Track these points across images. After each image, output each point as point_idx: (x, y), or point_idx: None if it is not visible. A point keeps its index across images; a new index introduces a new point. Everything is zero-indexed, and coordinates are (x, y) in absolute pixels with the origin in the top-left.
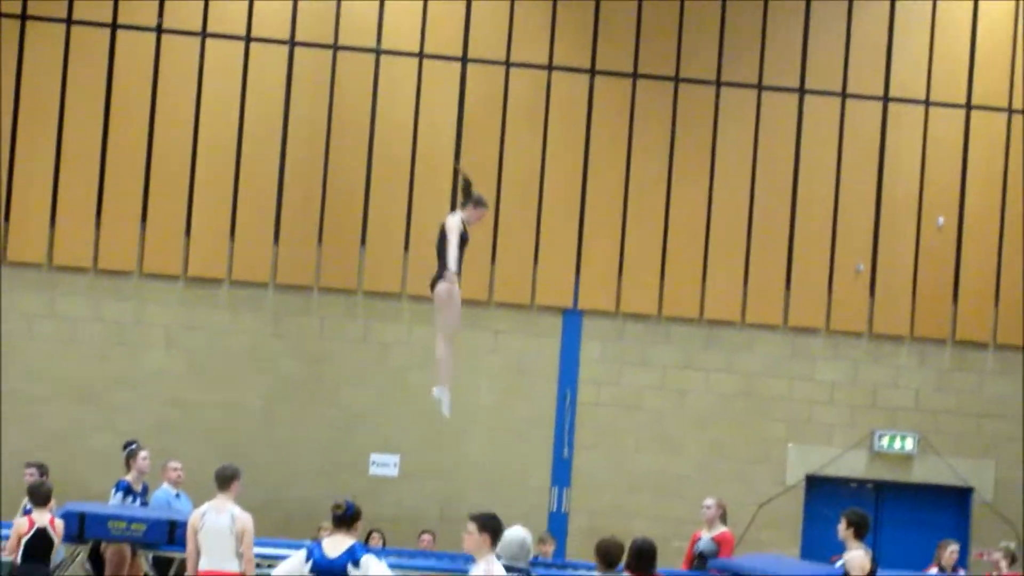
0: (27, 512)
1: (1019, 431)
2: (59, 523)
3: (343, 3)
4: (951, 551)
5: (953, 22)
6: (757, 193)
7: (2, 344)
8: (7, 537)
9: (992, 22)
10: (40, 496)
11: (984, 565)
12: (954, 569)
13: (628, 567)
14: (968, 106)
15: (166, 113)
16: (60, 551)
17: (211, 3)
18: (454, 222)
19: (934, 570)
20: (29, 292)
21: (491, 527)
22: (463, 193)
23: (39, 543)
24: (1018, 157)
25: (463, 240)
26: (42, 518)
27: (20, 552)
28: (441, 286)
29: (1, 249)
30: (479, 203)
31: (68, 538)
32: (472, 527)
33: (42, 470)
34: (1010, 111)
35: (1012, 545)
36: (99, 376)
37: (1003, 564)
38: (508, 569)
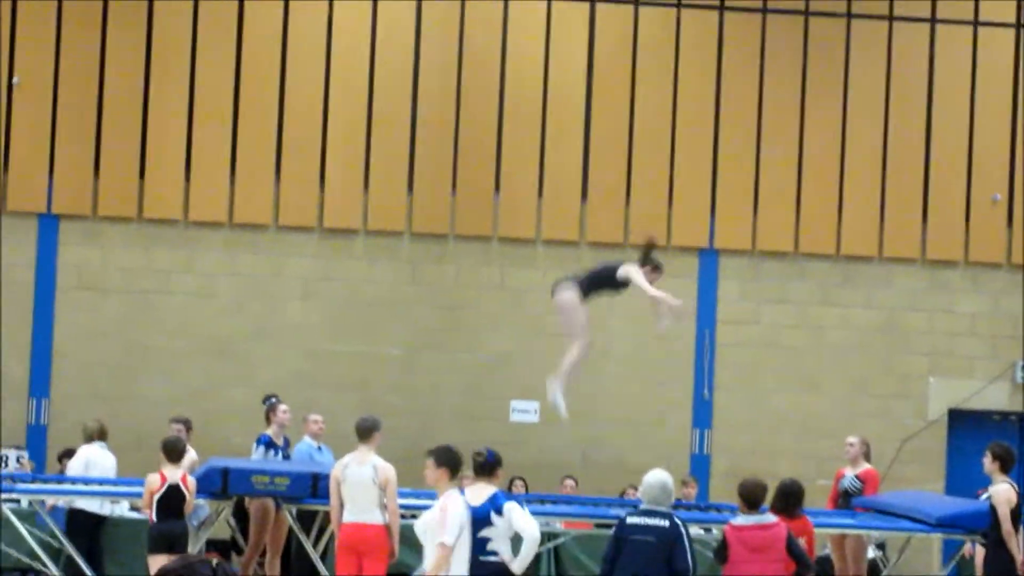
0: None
1: None
2: (191, 480)
3: None
4: None
5: None
6: (891, 126)
7: (141, 300)
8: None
9: None
10: (174, 453)
11: None
12: None
13: (774, 508)
14: None
15: (297, 67)
16: (204, 507)
17: None
18: (634, 269)
19: None
20: (166, 248)
21: (446, 460)
22: (645, 255)
23: (172, 499)
24: None
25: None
26: (174, 474)
27: (154, 509)
28: (564, 296)
29: (138, 206)
30: (657, 268)
31: (211, 494)
32: (429, 462)
33: (187, 425)
34: None
35: None
36: (237, 330)
37: None
38: (651, 513)
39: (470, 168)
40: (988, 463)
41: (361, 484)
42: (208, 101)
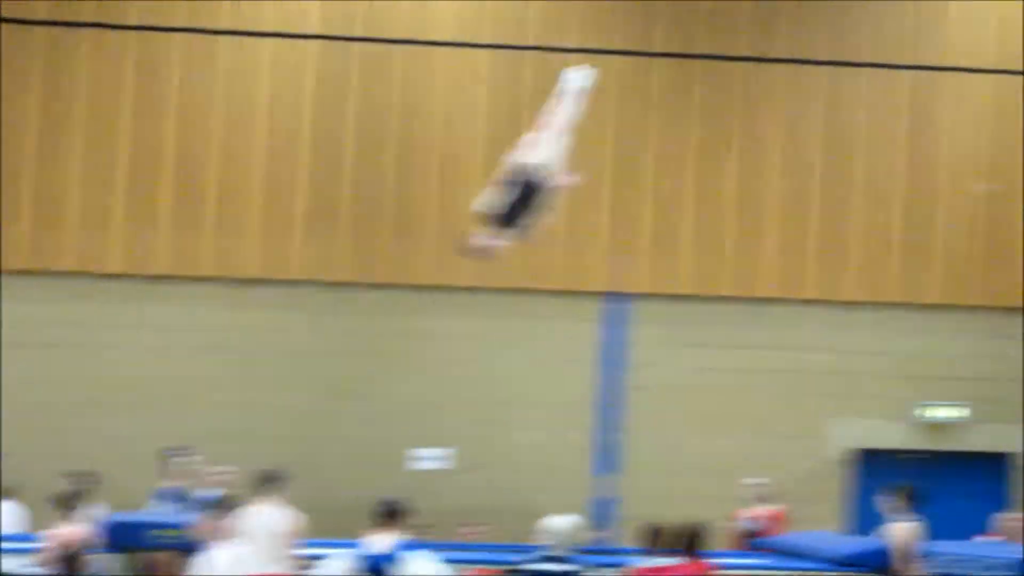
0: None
1: None
2: (91, 533)
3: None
4: (1008, 519)
5: None
6: (799, 167)
7: (60, 354)
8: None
9: None
10: (72, 506)
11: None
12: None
13: (680, 550)
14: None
15: (193, 116)
16: (103, 562)
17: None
18: None
19: (986, 538)
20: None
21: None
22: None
23: (71, 555)
24: None
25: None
26: (74, 528)
27: (54, 562)
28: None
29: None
30: None
31: (111, 548)
32: None
33: (88, 479)
34: None
35: None
36: (146, 382)
37: None
38: (557, 559)
39: (379, 215)
40: (890, 502)
41: (265, 534)
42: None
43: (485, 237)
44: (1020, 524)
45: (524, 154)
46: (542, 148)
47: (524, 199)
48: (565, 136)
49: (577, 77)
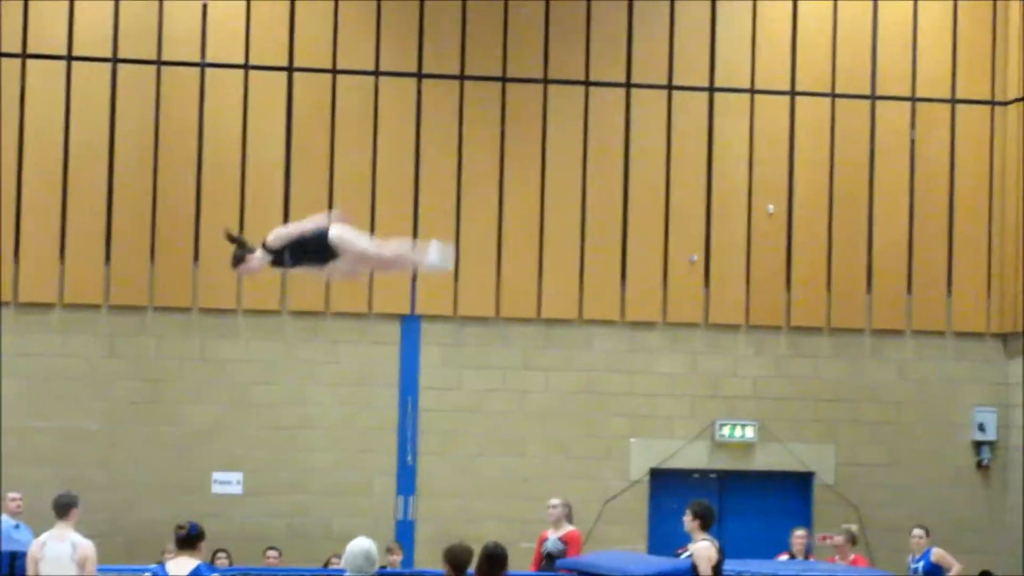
0: None
1: (856, 414)
2: None
3: (165, 18)
4: (798, 537)
5: (774, 9)
6: (589, 189)
7: None
8: None
9: (813, 7)
10: None
11: (827, 548)
12: (806, 556)
13: (478, 572)
14: (792, 92)
15: None
16: None
17: (31, 23)
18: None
19: (785, 557)
20: None
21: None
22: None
23: None
24: (843, 141)
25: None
26: None
27: None
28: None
29: None
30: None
31: None
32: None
33: None
34: (834, 96)
35: (854, 527)
36: None
37: (847, 547)
38: None
39: (168, 237)
40: (688, 521)
41: (59, 561)
42: None
43: (256, 261)
44: (804, 541)
45: (334, 224)
46: (357, 238)
47: (309, 252)
48: (379, 258)
49: (437, 256)
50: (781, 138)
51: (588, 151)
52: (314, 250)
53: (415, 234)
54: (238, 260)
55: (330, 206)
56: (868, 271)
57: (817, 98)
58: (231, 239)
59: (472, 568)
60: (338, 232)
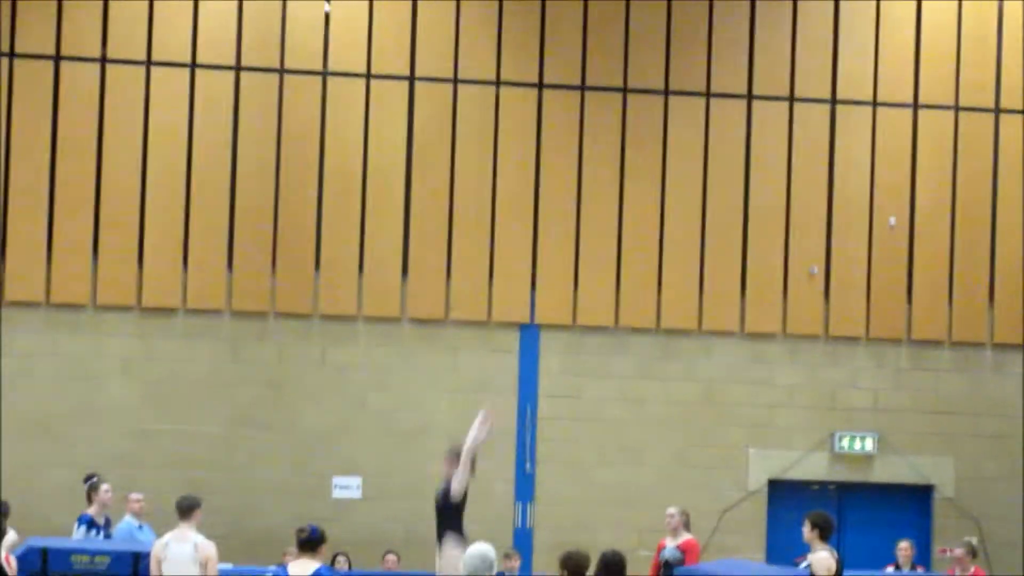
0: None
1: (977, 427)
2: (13, 560)
3: (288, 26)
4: (903, 549)
5: (897, 21)
6: (709, 200)
7: None
8: None
9: (936, 20)
10: None
11: (947, 561)
12: (912, 567)
13: None
14: (915, 105)
15: (114, 143)
16: None
17: (155, 31)
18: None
19: (891, 569)
20: None
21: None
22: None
23: None
24: (966, 154)
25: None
26: None
27: None
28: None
29: None
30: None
31: (31, 574)
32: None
33: (2, 508)
34: (957, 108)
35: (974, 540)
36: (57, 410)
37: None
38: None
39: (290, 244)
40: (807, 531)
41: (182, 562)
42: (23, 180)
43: None
44: (910, 553)
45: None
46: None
47: None
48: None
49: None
50: (903, 150)
51: (709, 162)
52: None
53: (535, 244)
54: None
55: (451, 215)
56: (990, 284)
57: (940, 110)
58: None
59: (590, 575)
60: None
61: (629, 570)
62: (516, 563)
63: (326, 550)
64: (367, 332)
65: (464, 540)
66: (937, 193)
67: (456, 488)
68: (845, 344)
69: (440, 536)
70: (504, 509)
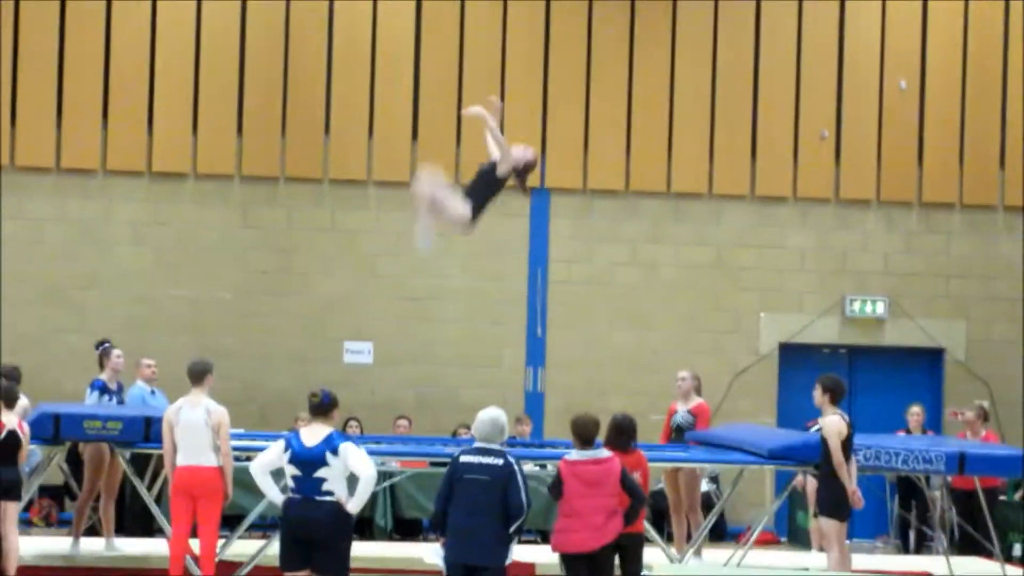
0: None
1: (988, 290)
2: (26, 426)
3: None
4: (913, 414)
5: None
6: (719, 63)
7: None
8: None
9: None
10: (8, 398)
11: (958, 424)
12: (923, 431)
13: (607, 443)
14: None
15: (123, 7)
16: (36, 453)
17: None
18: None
19: (901, 433)
20: None
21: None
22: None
23: (7, 446)
24: (977, 16)
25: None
26: (9, 420)
27: None
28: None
29: None
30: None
31: (43, 440)
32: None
33: (13, 374)
34: None
35: (985, 403)
36: (67, 276)
37: (977, 423)
38: (484, 451)
39: (300, 110)
40: (818, 395)
41: (194, 427)
42: (32, 45)
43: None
44: (920, 418)
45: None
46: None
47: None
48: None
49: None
50: (913, 11)
51: (719, 24)
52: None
53: (544, 107)
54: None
55: (460, 78)
56: (1001, 147)
57: None
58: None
59: (600, 438)
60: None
61: (640, 435)
62: (527, 428)
63: (338, 415)
64: (377, 197)
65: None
66: (947, 56)
67: (502, 169)
68: (856, 207)
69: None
70: (515, 374)
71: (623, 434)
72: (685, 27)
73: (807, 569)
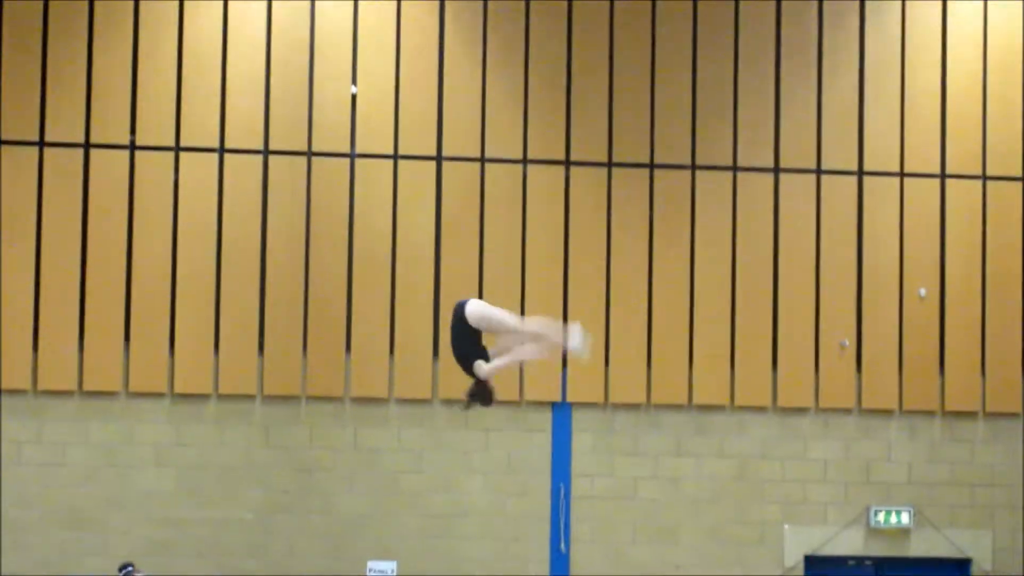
0: None
1: (1014, 499)
2: None
3: (315, 110)
4: None
5: (923, 91)
6: (738, 275)
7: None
8: None
9: (961, 88)
10: None
11: None
12: None
13: None
14: (943, 175)
15: (143, 230)
16: None
17: (183, 116)
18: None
19: None
20: (15, 418)
21: None
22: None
23: None
24: (996, 223)
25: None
26: None
27: None
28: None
29: None
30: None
31: None
32: None
33: None
34: (984, 178)
35: None
36: (90, 499)
37: None
38: None
39: (320, 328)
40: None
41: None
42: (53, 268)
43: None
44: None
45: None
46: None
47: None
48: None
49: (578, 339)
50: (932, 221)
51: (737, 236)
52: (461, 335)
53: (564, 320)
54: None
55: (480, 294)
56: (1023, 353)
57: (968, 180)
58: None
59: None
60: (473, 307)
61: None
62: None
63: None
64: (399, 414)
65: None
66: (967, 263)
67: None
68: (878, 417)
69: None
70: None
71: None
72: (703, 240)
73: None
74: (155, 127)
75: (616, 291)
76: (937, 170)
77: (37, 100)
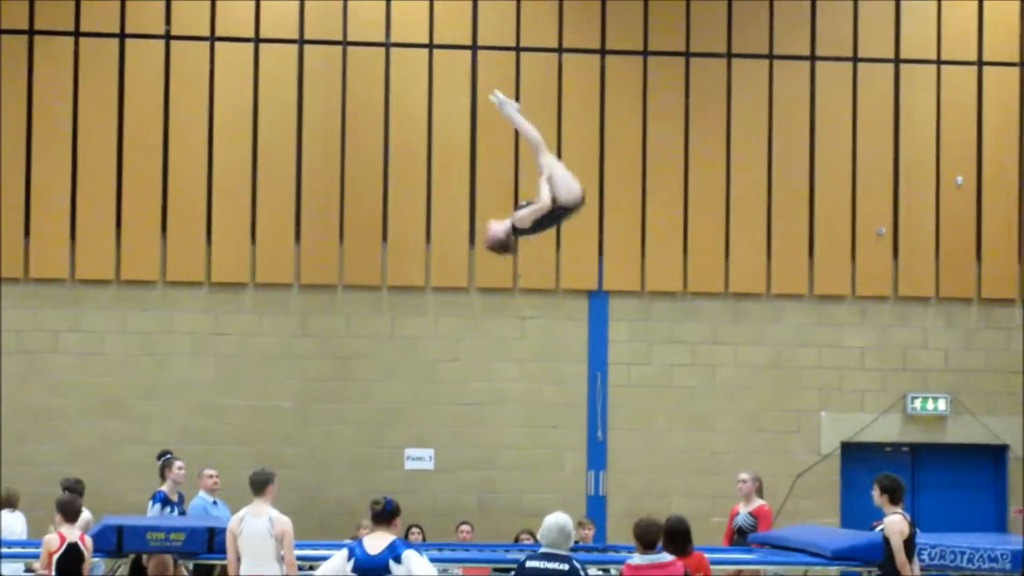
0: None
1: None
2: (89, 539)
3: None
4: None
5: None
6: (774, 163)
7: (29, 361)
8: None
9: None
10: (71, 512)
11: (1021, 522)
12: None
13: (666, 547)
14: (980, 63)
15: (179, 119)
16: (100, 565)
17: (218, 6)
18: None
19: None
20: (53, 307)
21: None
22: None
23: (71, 559)
24: None
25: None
26: (72, 534)
27: (53, 569)
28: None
29: (24, 266)
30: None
31: (107, 552)
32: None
33: (77, 488)
34: (1021, 65)
35: None
36: (128, 388)
37: None
38: (550, 556)
39: (357, 217)
40: (877, 495)
41: (258, 537)
42: (90, 158)
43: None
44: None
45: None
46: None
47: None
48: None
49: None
50: (968, 108)
51: (773, 125)
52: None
53: (601, 212)
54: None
55: (516, 183)
56: None
57: (1005, 68)
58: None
59: (666, 541)
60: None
61: (701, 536)
62: (590, 532)
63: (400, 522)
64: (435, 303)
65: None
66: (1003, 150)
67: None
68: (915, 304)
69: None
70: (576, 478)
71: (677, 538)
72: (739, 129)
73: None
74: (190, 17)
75: (652, 181)
76: (974, 57)
77: None
